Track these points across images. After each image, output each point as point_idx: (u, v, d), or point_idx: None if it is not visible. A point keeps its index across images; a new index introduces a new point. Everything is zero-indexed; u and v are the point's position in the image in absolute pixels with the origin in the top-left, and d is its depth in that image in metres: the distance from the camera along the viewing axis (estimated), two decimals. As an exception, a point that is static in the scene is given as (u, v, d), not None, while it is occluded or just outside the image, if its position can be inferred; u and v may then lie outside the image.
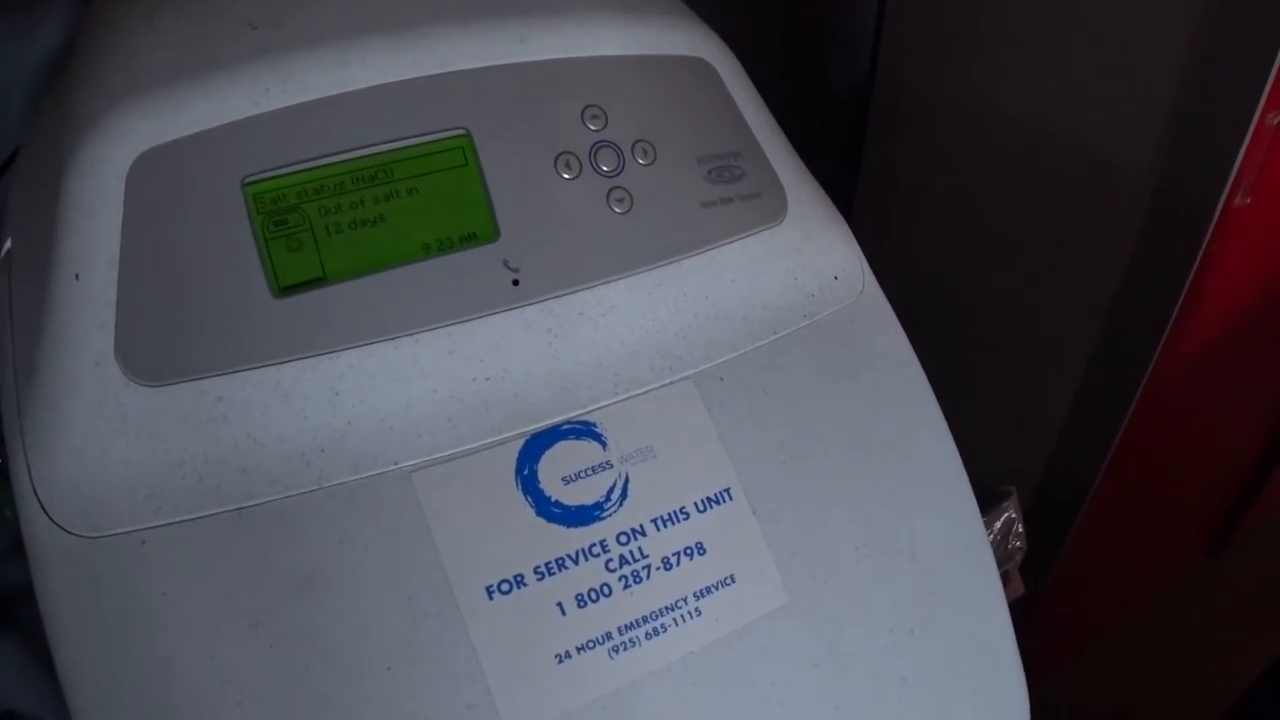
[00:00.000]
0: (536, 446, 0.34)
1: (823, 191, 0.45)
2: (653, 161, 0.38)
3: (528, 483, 0.34)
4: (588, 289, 0.36)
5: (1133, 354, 0.82)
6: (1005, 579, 0.80)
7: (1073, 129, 0.78)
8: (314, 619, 0.32)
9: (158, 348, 0.32)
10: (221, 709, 0.31)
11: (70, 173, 0.33)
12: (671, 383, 0.37)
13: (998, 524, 0.77)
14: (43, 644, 0.92)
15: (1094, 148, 0.77)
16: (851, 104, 0.97)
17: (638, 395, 0.36)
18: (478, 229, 0.35)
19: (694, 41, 0.41)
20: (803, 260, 0.42)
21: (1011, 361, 0.94)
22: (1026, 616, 1.03)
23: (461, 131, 0.35)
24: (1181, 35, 0.68)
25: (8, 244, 0.40)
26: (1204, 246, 0.74)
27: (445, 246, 0.34)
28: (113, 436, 0.33)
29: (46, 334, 0.33)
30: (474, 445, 0.34)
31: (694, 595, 0.34)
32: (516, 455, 0.34)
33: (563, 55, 0.37)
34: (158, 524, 0.32)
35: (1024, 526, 0.79)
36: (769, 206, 0.41)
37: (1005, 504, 0.77)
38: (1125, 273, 0.79)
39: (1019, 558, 0.79)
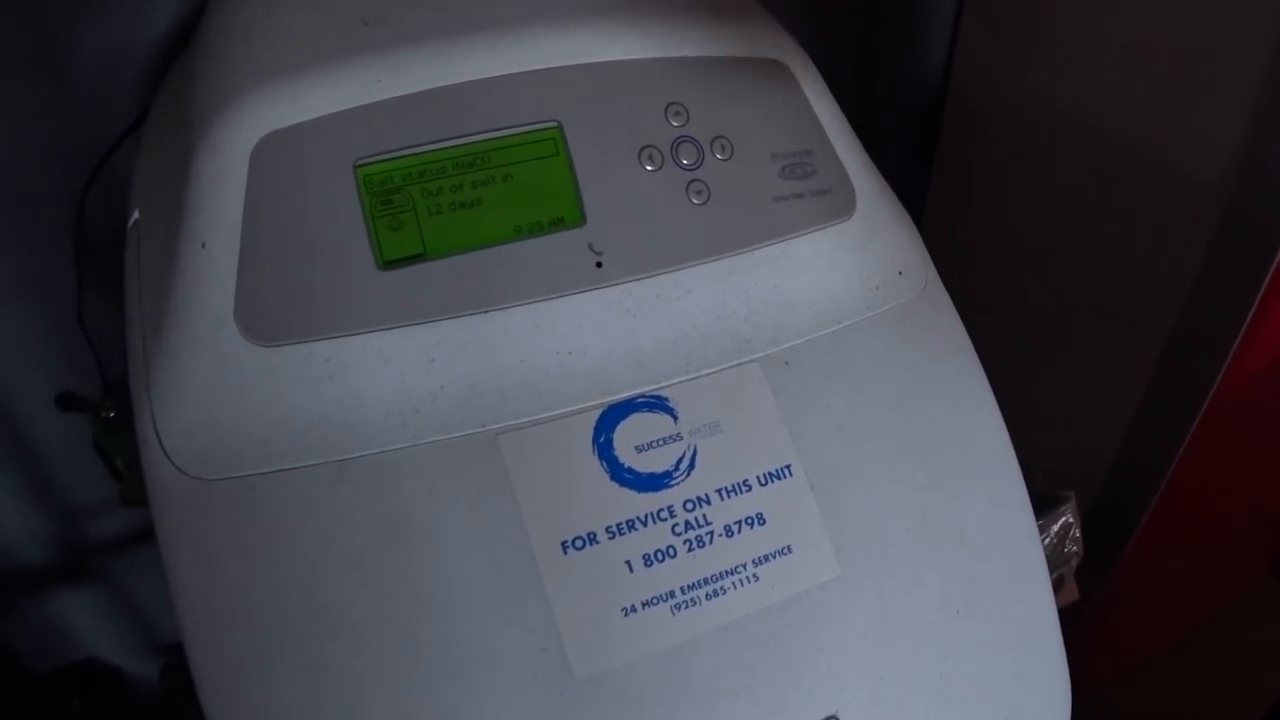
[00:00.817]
0: (613, 417, 0.37)
1: (890, 190, 0.47)
2: (730, 157, 0.40)
3: (603, 449, 0.37)
4: (665, 274, 0.38)
5: (1202, 362, 0.82)
6: (1059, 583, 0.81)
7: (1147, 134, 0.78)
8: (404, 563, 0.35)
9: (273, 312, 0.36)
10: (317, 638, 0.34)
11: (200, 152, 0.36)
12: (739, 364, 0.39)
13: (1055, 527, 0.77)
14: (124, 596, 0.97)
15: (1169, 154, 0.77)
16: (926, 103, 0.98)
17: (708, 375, 0.38)
18: (565, 214, 0.37)
19: (772, 45, 0.43)
20: (868, 255, 0.44)
21: (1077, 365, 0.94)
22: (1078, 624, 1.03)
23: (553, 124, 0.38)
24: (1264, 43, 0.68)
25: (136, 214, 0.44)
26: (1278, 257, 0.74)
27: (535, 229, 0.37)
28: (229, 390, 0.36)
29: (173, 296, 0.37)
30: (556, 413, 0.37)
31: (753, 562, 0.37)
32: (594, 424, 0.37)
33: (649, 55, 0.40)
34: (267, 470, 0.36)
35: (1081, 532, 0.79)
36: (838, 203, 0.43)
37: (1063, 508, 0.78)
38: (1197, 279, 0.79)
39: (1075, 563, 0.80)
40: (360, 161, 0.36)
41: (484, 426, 0.36)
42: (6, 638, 1.02)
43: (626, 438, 0.37)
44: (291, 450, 0.36)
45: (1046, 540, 0.75)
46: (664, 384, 0.38)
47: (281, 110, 0.36)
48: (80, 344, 0.76)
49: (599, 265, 0.38)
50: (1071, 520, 0.77)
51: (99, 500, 0.93)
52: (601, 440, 0.37)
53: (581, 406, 0.37)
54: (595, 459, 0.37)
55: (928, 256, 0.47)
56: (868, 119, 0.91)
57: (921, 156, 1.00)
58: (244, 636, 0.35)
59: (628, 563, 0.36)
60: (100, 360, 0.77)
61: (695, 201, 0.39)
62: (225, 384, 0.36)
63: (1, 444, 0.87)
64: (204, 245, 0.36)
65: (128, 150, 0.70)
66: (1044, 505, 0.75)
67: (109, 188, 0.72)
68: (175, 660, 0.89)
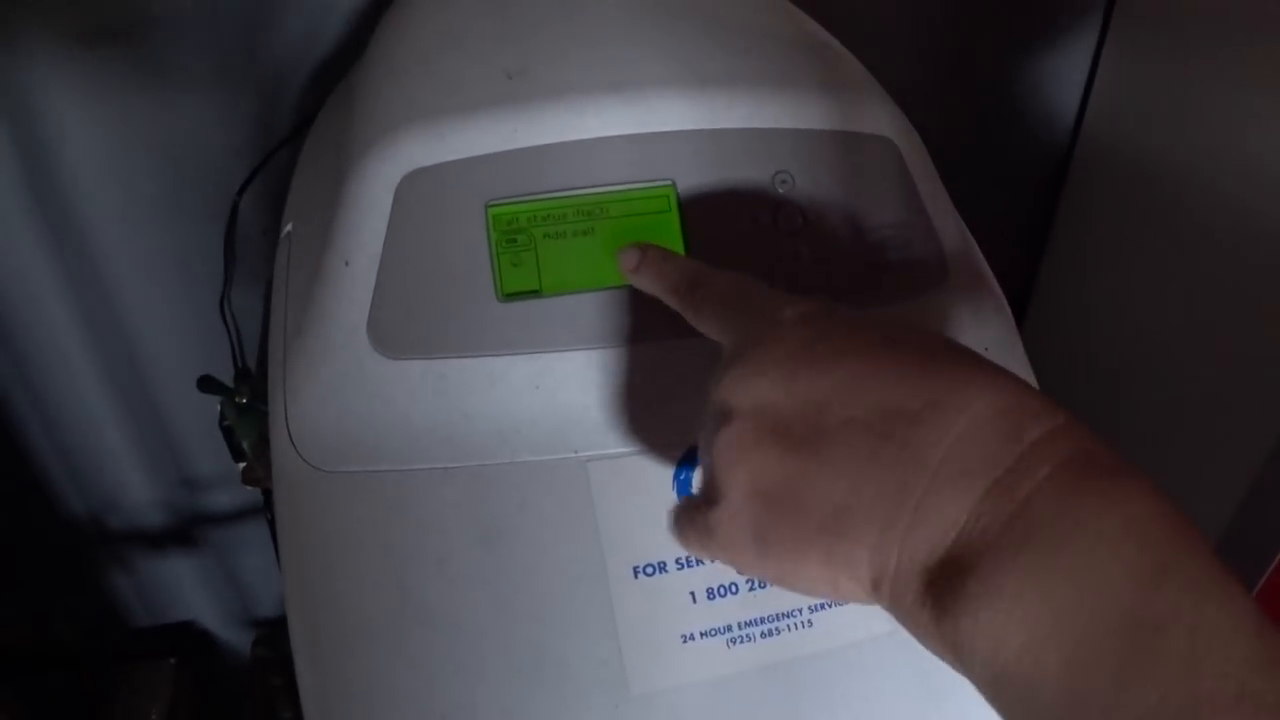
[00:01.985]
0: (693, 457, 0.40)
1: (985, 266, 0.49)
2: (829, 225, 0.43)
3: (682, 486, 0.40)
4: (756, 329, 0.41)
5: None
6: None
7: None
8: (489, 566, 0.38)
9: (401, 328, 0.40)
10: (405, 623, 0.38)
11: (351, 181, 0.41)
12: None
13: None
14: (228, 566, 1.04)
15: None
16: (1050, 168, 0.98)
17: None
18: (670, 266, 0.41)
19: (880, 120, 0.46)
20: (956, 328, 0.46)
21: (1182, 451, 0.92)
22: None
23: (668, 182, 0.41)
24: None
25: (289, 226, 0.49)
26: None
27: (642, 277, 0.41)
28: (354, 394, 0.40)
29: (315, 304, 0.41)
30: (642, 448, 0.40)
31: (809, 608, 0.39)
32: (677, 463, 0.40)
33: (763, 125, 0.43)
34: (379, 469, 0.40)
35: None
36: (930, 275, 0.45)
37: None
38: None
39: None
40: (491, 202, 0.40)
41: (576, 453, 0.40)
42: (118, 590, 1.10)
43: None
44: (402, 453, 0.40)
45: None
46: (745, 431, 0.41)
47: (427, 150, 0.40)
48: (219, 328, 0.83)
49: (696, 315, 0.41)
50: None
51: (217, 474, 1.00)
52: (681, 478, 0.40)
53: (667, 446, 0.40)
54: (673, 494, 0.40)
55: (1016, 332, 0.48)
56: (989, 180, 0.93)
57: (1037, 231, 1.00)
58: (340, 613, 0.39)
59: (692, 593, 0.38)
60: (236, 345, 0.84)
61: (793, 265, 0.42)
62: (352, 388, 0.40)
63: (137, 414, 0.95)
64: (347, 263, 0.40)
65: (283, 156, 0.77)
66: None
67: (262, 189, 0.79)
68: (268, 632, 0.95)
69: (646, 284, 0.39)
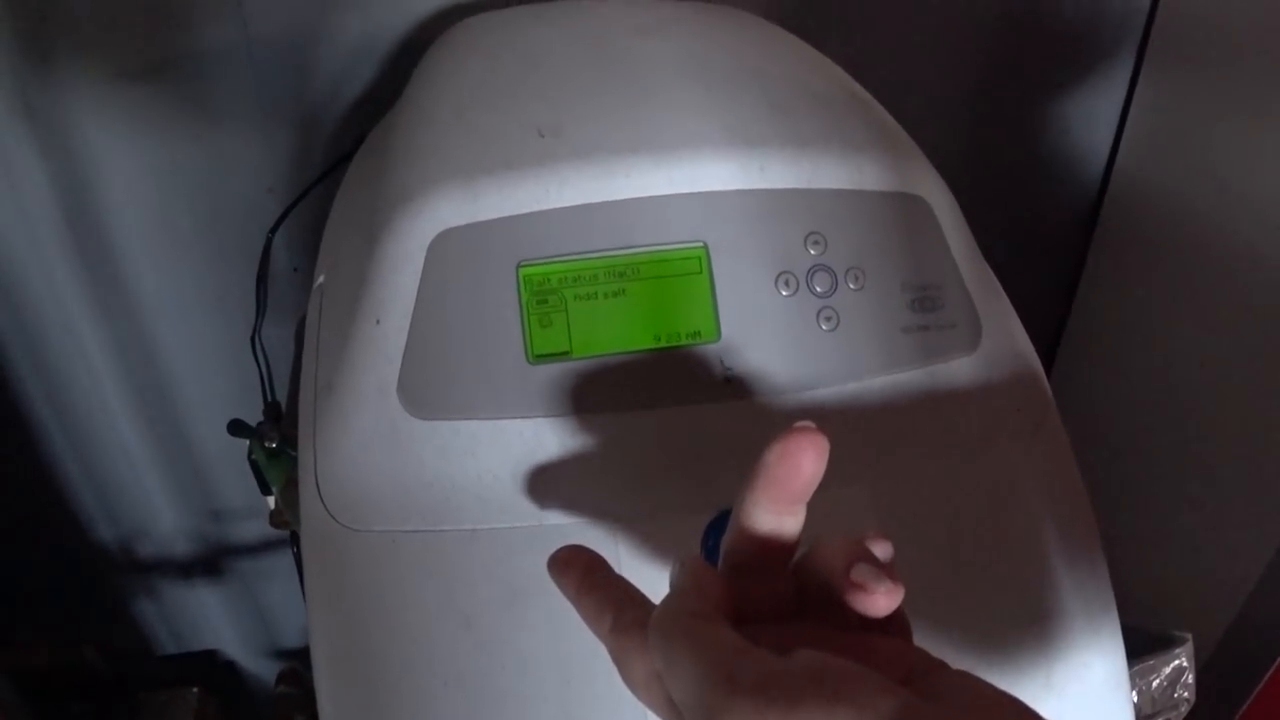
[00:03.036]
0: (723, 522, 0.39)
1: (1019, 326, 0.49)
2: (862, 287, 0.43)
3: (711, 552, 0.39)
4: (789, 395, 0.41)
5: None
6: (1165, 729, 0.78)
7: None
8: (515, 628, 0.38)
9: (431, 389, 0.40)
10: (430, 685, 0.38)
11: (384, 238, 0.41)
12: (849, 488, 0.41)
13: (1166, 670, 0.75)
14: (253, 597, 1.05)
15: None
16: (1079, 217, 0.97)
17: (817, 493, 0.41)
18: (703, 329, 0.41)
19: (913, 179, 0.45)
20: (987, 390, 0.45)
21: (1211, 503, 0.91)
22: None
23: (700, 244, 0.41)
24: None
25: (321, 278, 0.49)
26: None
27: (673, 340, 0.40)
28: (384, 453, 0.40)
29: (346, 361, 0.41)
30: (671, 511, 0.40)
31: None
32: (705, 526, 0.39)
33: (795, 185, 0.42)
34: (406, 529, 0.40)
35: (1195, 678, 0.77)
36: (963, 337, 0.45)
37: (1178, 650, 0.75)
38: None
39: (1184, 709, 0.77)
40: (523, 262, 0.40)
41: (604, 515, 0.39)
42: (144, 617, 1.11)
43: (733, 542, 0.39)
44: (431, 513, 0.40)
45: (1156, 681, 0.73)
46: (774, 497, 0.40)
47: (459, 209, 0.41)
48: (249, 362, 0.84)
49: (727, 380, 0.41)
50: (1185, 665, 0.75)
51: (245, 506, 1.00)
52: (710, 543, 0.39)
53: (695, 510, 0.40)
54: (702, 559, 0.39)
55: (1048, 393, 0.48)
56: (1021, 219, 0.92)
57: (1072, 262, 0.99)
58: (367, 670, 0.39)
59: (720, 662, 0.38)
60: (266, 379, 0.84)
61: (824, 328, 0.42)
62: (381, 446, 0.40)
63: (168, 445, 0.96)
64: (379, 321, 0.41)
65: (315, 196, 0.78)
66: (1159, 645, 0.73)
67: (295, 227, 0.80)
68: (291, 668, 0.95)
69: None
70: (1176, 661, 0.75)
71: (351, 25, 0.74)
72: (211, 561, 1.06)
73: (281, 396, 0.85)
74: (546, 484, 0.39)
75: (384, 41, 0.75)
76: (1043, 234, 0.97)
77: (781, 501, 0.28)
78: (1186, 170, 0.86)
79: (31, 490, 0.95)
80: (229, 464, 0.97)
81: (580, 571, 0.31)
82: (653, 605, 0.28)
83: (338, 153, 0.77)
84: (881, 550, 0.28)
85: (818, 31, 0.80)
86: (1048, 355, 1.01)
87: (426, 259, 0.40)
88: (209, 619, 1.12)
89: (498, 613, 0.38)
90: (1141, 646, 0.70)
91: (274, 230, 0.79)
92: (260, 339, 0.83)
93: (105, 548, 1.03)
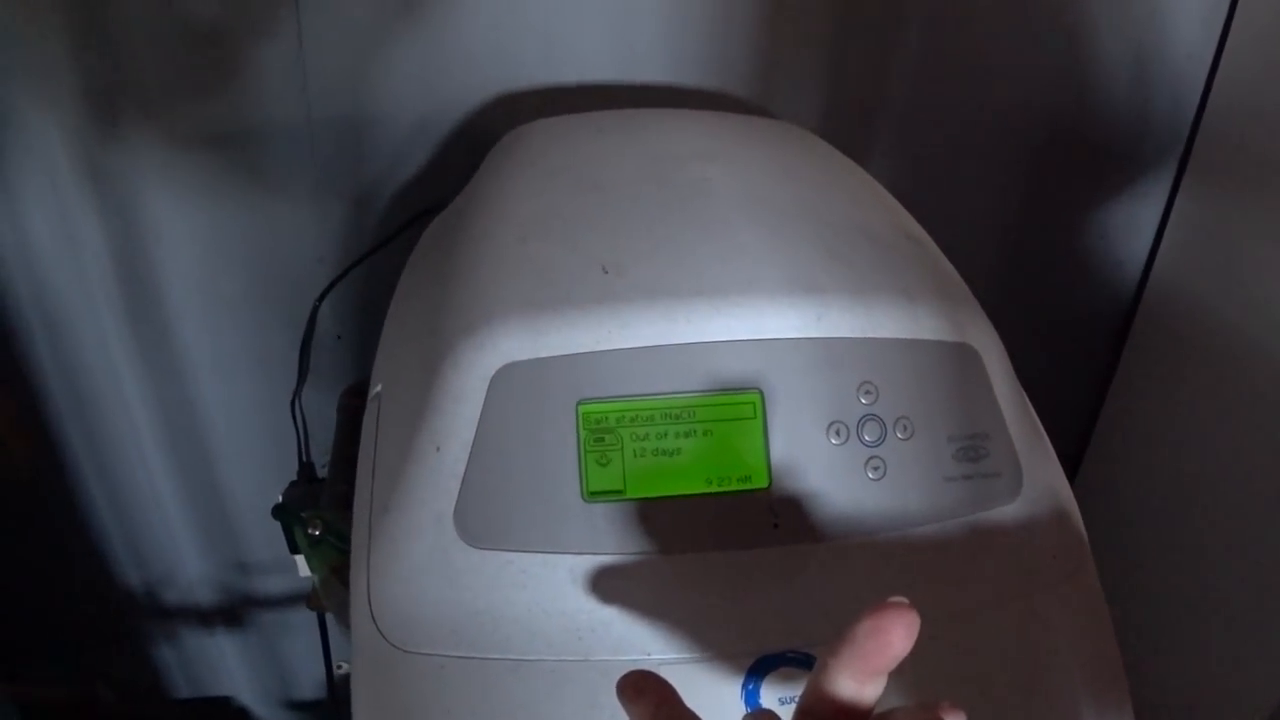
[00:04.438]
0: (763, 667, 0.40)
1: (1059, 470, 0.50)
2: (910, 437, 0.44)
3: (750, 696, 0.40)
4: (833, 543, 0.42)
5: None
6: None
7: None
8: (558, 769, 0.39)
9: (486, 520, 0.41)
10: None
11: (448, 369, 0.42)
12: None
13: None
14: (269, 648, 1.05)
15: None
16: (1113, 323, 0.98)
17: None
18: (754, 475, 0.42)
19: (965, 329, 0.46)
20: (1025, 539, 0.46)
21: (1239, 618, 0.90)
22: None
23: (756, 391, 0.42)
24: None
25: (379, 387, 0.51)
26: None
27: (724, 484, 0.41)
28: (436, 577, 0.41)
29: (404, 485, 0.43)
30: (713, 653, 0.40)
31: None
32: (746, 670, 0.40)
33: (850, 334, 0.44)
34: (454, 655, 0.41)
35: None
36: (1005, 486, 0.46)
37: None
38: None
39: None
40: (583, 400, 0.41)
41: (648, 655, 0.40)
42: (162, 660, 1.12)
43: (772, 688, 0.40)
44: (479, 642, 0.40)
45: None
46: (816, 644, 0.41)
47: (522, 344, 0.42)
48: (287, 424, 0.85)
49: (775, 526, 0.42)
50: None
51: (270, 560, 1.02)
52: (750, 687, 0.40)
53: (737, 652, 0.40)
54: (741, 703, 0.40)
55: (1085, 540, 0.49)
56: (1054, 330, 0.93)
57: (1104, 368, 1.00)
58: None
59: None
60: (303, 443, 0.86)
61: (871, 477, 0.43)
62: (435, 572, 0.41)
63: (200, 496, 0.97)
64: (438, 449, 0.42)
65: (363, 268, 0.79)
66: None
67: (340, 297, 0.82)
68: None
69: None
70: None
71: (409, 111, 0.77)
72: (232, 611, 1.07)
73: (315, 459, 0.86)
74: (593, 620, 0.40)
75: (439, 128, 0.78)
76: (1077, 338, 0.98)
77: (866, 672, 0.28)
78: (1221, 283, 0.87)
79: (63, 530, 0.97)
80: (258, 518, 0.98)
81: (655, 700, 0.32)
82: None
83: (387, 229, 0.79)
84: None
85: (867, 141, 0.82)
86: (1074, 459, 1.01)
87: (489, 392, 0.42)
88: (225, 666, 1.13)
89: (540, 746, 0.39)
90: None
91: (321, 299, 0.81)
92: (300, 403, 0.85)
93: (130, 590, 1.04)
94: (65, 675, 1.11)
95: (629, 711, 0.32)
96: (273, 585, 1.05)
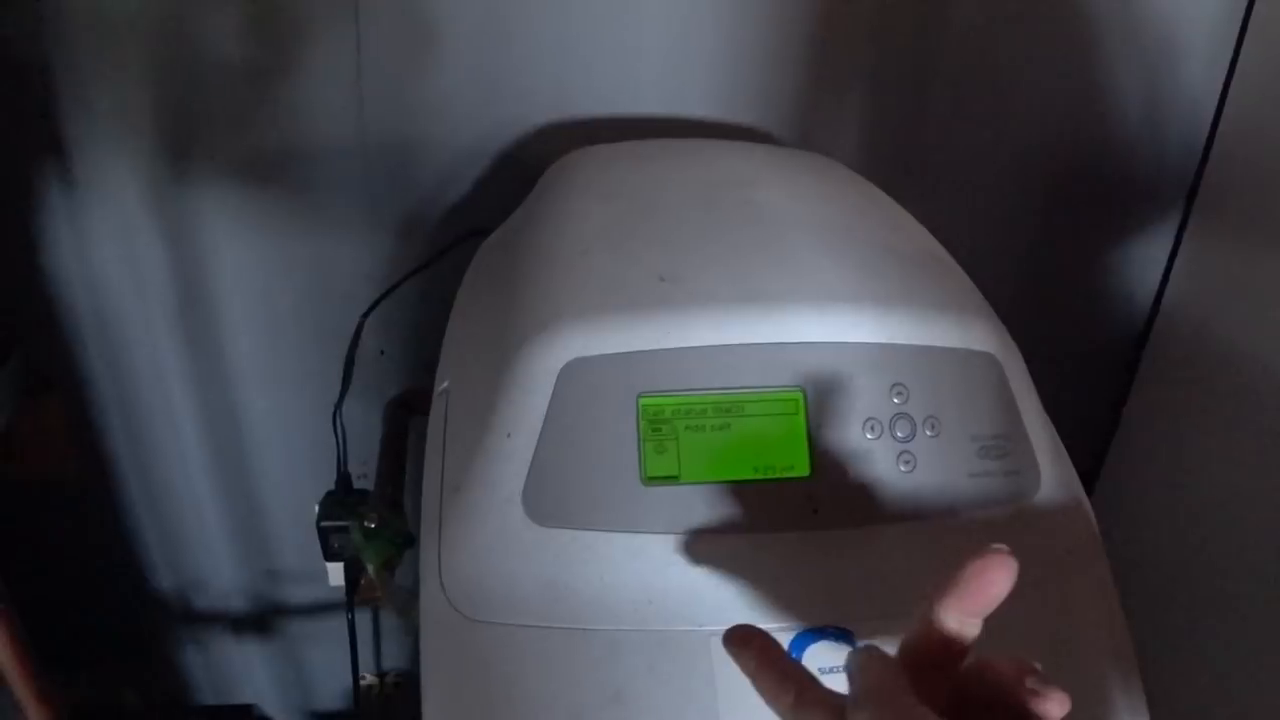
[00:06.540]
0: (804, 640, 0.44)
1: (1073, 473, 0.54)
2: (937, 435, 0.48)
3: (791, 666, 0.44)
4: (869, 528, 0.46)
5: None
6: None
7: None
8: (616, 727, 0.42)
9: (553, 500, 0.45)
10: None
11: (518, 364, 0.46)
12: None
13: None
14: (297, 658, 1.08)
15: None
16: (1123, 356, 1.01)
17: (890, 619, 0.45)
18: (796, 465, 0.46)
19: (986, 339, 0.50)
20: (1042, 533, 0.50)
21: (1250, 644, 0.92)
22: None
23: (799, 389, 0.46)
24: None
25: (445, 383, 0.55)
26: None
27: (769, 473, 0.46)
28: (505, 554, 0.45)
29: (475, 468, 0.47)
30: (760, 625, 0.44)
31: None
32: (788, 645, 0.44)
33: (885, 340, 0.48)
34: (522, 624, 0.44)
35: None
36: (1023, 484, 0.50)
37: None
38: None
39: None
40: (643, 393, 0.46)
41: (701, 626, 0.44)
42: (189, 666, 1.15)
43: (813, 659, 0.44)
44: (545, 612, 0.44)
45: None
46: (851, 621, 0.45)
47: (588, 342, 0.46)
48: (327, 435, 0.89)
49: (815, 512, 0.46)
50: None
51: (301, 569, 1.05)
52: (793, 657, 0.44)
53: (781, 626, 0.44)
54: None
55: (1098, 537, 0.52)
56: (1067, 360, 0.97)
57: (1114, 400, 1.03)
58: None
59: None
60: (341, 452, 0.89)
61: (903, 469, 0.47)
62: (503, 548, 0.45)
63: (237, 504, 1.01)
64: (509, 435, 0.46)
65: (407, 286, 0.84)
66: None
67: (384, 313, 0.86)
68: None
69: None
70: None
71: (458, 139, 0.81)
72: (262, 619, 1.10)
73: (354, 470, 0.90)
74: (651, 593, 0.44)
75: (487, 155, 0.82)
76: (1091, 365, 1.01)
77: (970, 610, 0.32)
78: (1228, 314, 0.90)
79: (101, 534, 1.00)
80: (293, 527, 1.02)
81: (759, 649, 0.35)
82: (824, 686, 0.33)
83: (433, 250, 0.83)
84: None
85: (893, 173, 0.87)
86: (1087, 483, 1.04)
87: (556, 384, 0.46)
88: (251, 675, 1.16)
89: (601, 710, 0.43)
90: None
91: (366, 315, 0.85)
92: (340, 414, 0.89)
93: (162, 595, 1.07)
94: (92, 680, 1.13)
95: (736, 660, 0.36)
96: (302, 594, 1.08)
